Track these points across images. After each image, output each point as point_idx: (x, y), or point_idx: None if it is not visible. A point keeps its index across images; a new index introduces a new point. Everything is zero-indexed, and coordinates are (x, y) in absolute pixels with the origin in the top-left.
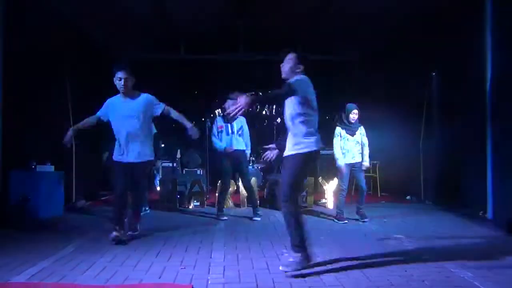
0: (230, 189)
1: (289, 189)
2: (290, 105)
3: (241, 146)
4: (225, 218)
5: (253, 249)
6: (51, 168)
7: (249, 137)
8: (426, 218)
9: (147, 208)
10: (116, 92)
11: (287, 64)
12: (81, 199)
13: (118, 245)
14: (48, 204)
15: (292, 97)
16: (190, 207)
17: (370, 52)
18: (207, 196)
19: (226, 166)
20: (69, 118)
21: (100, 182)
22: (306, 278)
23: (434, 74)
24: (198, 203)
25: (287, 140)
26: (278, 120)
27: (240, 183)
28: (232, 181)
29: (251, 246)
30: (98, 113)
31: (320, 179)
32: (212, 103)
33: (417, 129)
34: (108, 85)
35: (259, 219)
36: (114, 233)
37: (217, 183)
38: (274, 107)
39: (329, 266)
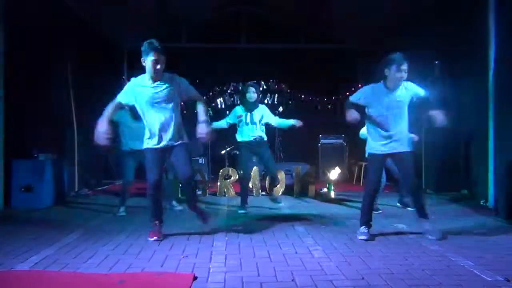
0: (232, 177)
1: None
2: (406, 109)
3: (264, 136)
4: (242, 211)
5: (254, 238)
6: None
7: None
8: (427, 207)
9: (174, 204)
10: (117, 79)
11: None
12: (84, 188)
13: None
14: (51, 193)
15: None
16: None
17: (371, 40)
18: (209, 185)
19: (245, 156)
20: (70, 106)
21: (103, 171)
22: (307, 267)
23: (436, 62)
24: (200, 192)
25: (403, 136)
26: (280, 109)
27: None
28: (234, 169)
29: (253, 235)
30: (119, 99)
31: (321, 168)
32: (213, 92)
33: (418, 117)
34: (110, 73)
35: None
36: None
37: (219, 172)
38: (276, 96)
39: (330, 255)
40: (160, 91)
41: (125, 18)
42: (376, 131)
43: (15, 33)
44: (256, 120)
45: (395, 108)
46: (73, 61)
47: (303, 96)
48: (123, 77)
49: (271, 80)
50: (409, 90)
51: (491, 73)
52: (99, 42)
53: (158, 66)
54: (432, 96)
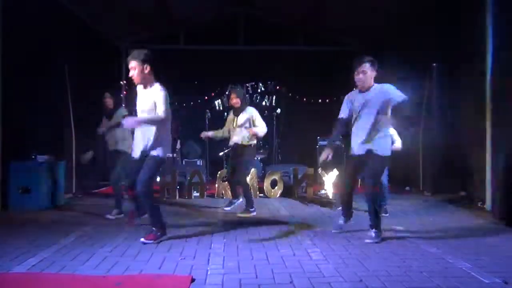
0: None
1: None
2: (377, 109)
3: (243, 140)
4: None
5: (252, 239)
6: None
7: (261, 128)
8: (425, 209)
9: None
10: (115, 80)
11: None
12: (81, 190)
13: None
14: (49, 195)
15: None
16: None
17: (370, 42)
18: (207, 187)
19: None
20: (68, 107)
21: (100, 173)
22: (305, 269)
23: (434, 65)
24: (197, 194)
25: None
26: (278, 110)
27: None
28: None
29: (251, 237)
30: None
31: (319, 170)
32: (211, 94)
33: (417, 119)
34: (108, 74)
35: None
36: None
37: (217, 174)
38: (274, 97)
39: (328, 257)
40: (143, 98)
41: (124, 20)
42: (352, 133)
43: (13, 33)
44: (239, 125)
45: (364, 108)
46: (71, 61)
47: (301, 97)
48: (122, 78)
49: (270, 82)
50: (384, 92)
51: (489, 74)
52: (98, 43)
53: (130, 73)
54: (408, 103)
